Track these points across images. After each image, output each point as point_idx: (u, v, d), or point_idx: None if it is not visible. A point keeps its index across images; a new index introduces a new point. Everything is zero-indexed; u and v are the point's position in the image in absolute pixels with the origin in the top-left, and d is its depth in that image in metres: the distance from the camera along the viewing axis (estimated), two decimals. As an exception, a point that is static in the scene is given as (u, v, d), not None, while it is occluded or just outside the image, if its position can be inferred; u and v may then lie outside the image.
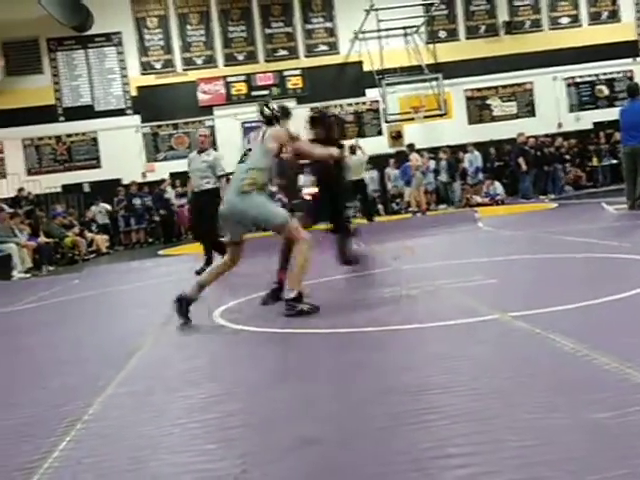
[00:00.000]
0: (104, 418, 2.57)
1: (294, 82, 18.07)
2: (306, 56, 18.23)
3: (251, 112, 17.92)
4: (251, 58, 18.16)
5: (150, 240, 16.69)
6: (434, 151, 17.43)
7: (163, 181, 16.87)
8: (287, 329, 3.93)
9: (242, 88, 17.96)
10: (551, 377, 2.41)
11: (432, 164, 17.12)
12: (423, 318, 3.74)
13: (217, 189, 7.69)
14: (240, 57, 18.17)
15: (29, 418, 2.66)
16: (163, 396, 2.79)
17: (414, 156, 15.17)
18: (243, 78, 17.93)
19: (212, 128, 17.90)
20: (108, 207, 16.68)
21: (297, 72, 18.05)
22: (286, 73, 18.05)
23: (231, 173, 4.97)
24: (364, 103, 18.34)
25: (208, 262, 7.54)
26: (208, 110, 17.94)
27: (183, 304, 4.35)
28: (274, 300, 4.75)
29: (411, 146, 15.53)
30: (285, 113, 4.91)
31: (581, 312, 3.37)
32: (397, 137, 18.40)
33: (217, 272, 4.61)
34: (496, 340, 3.10)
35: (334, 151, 4.89)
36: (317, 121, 5.74)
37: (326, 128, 5.72)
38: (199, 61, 18.03)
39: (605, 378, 2.28)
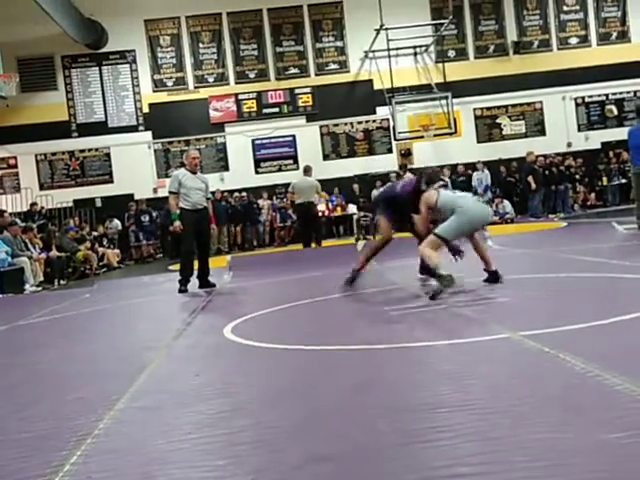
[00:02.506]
0: (115, 433, 2.58)
1: (304, 100, 18.19)
2: (316, 74, 18.37)
3: (262, 129, 18.14)
4: (262, 76, 18.31)
5: (160, 255, 16.74)
6: (443, 169, 17.45)
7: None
8: (298, 345, 3.94)
9: (253, 105, 18.10)
10: (561, 397, 2.40)
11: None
12: (434, 336, 3.74)
13: (207, 208, 8.09)
14: (251, 75, 18.33)
15: (40, 432, 2.68)
16: (173, 411, 2.80)
17: (408, 176, 15.31)
18: (254, 95, 18.08)
19: (223, 145, 18.03)
20: (119, 226, 16.81)
21: (307, 90, 18.19)
22: (297, 91, 18.19)
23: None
24: (374, 121, 18.43)
25: (185, 281, 7.85)
26: (219, 127, 18.07)
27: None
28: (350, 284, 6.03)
29: (404, 166, 15.76)
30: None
31: (592, 332, 3.36)
32: (407, 155, 18.46)
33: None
34: (507, 359, 3.10)
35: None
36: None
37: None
38: (210, 79, 18.21)
39: (616, 399, 2.27)
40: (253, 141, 18.11)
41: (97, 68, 17.92)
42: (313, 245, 12.57)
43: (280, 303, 5.82)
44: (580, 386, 2.49)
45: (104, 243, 15.88)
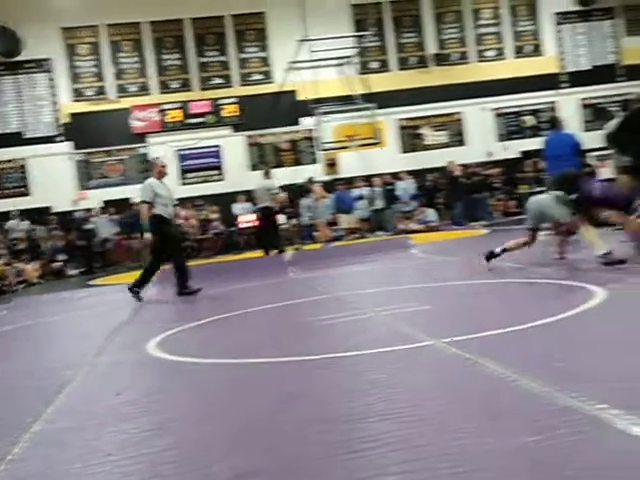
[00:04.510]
0: (30, 457, 2.48)
1: (230, 110, 18.09)
2: (241, 85, 18.32)
3: (186, 139, 17.92)
4: (186, 86, 18.11)
5: (76, 271, 16.16)
6: (368, 179, 17.70)
7: (89, 210, 16.63)
8: (224, 359, 3.89)
9: (177, 116, 17.86)
10: (482, 402, 2.46)
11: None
12: (360, 345, 3.76)
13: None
14: (175, 85, 18.10)
15: (-50, 460, 2.54)
16: (93, 432, 2.71)
17: (318, 188, 15.54)
18: (178, 106, 17.85)
19: (145, 155, 17.70)
20: (26, 224, 16.17)
21: (232, 100, 18.10)
22: (221, 101, 18.07)
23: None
24: (299, 132, 18.52)
25: (143, 282, 7.92)
26: (143, 137, 17.75)
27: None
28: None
29: (311, 179, 16.01)
30: None
31: (510, 337, 3.46)
32: (332, 165, 18.62)
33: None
34: (430, 366, 3.15)
35: None
36: None
37: None
38: (133, 88, 17.87)
39: (533, 402, 2.34)
40: (178, 152, 17.86)
41: (12, 77, 17.29)
42: (272, 252, 12.35)
43: (208, 316, 5.75)
44: (499, 391, 2.55)
45: (22, 257, 15.27)
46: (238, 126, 18.08)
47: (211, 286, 8.07)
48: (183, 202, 17.33)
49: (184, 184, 17.85)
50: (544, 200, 6.54)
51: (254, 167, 18.12)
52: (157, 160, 8.49)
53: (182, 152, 17.90)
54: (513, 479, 1.78)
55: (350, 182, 17.56)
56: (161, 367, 3.92)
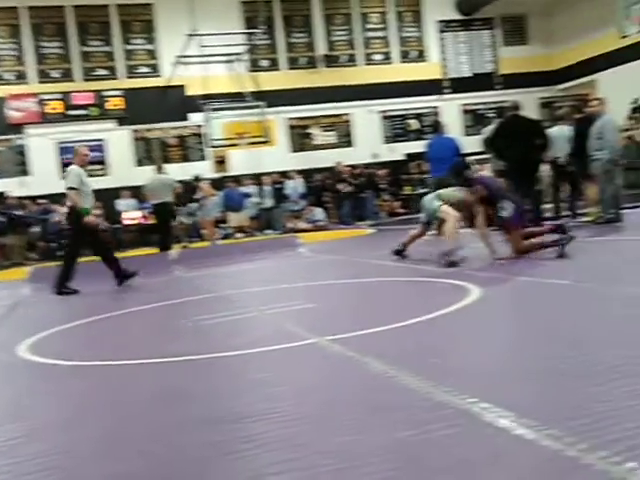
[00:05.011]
0: None
1: (114, 103, 17.48)
2: (127, 77, 17.75)
3: (68, 132, 17.13)
4: (67, 76, 17.31)
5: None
6: (258, 177, 17.66)
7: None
8: (100, 361, 3.74)
9: (58, 107, 17.03)
10: (362, 399, 2.50)
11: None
12: (243, 344, 3.73)
13: None
14: (55, 74, 17.26)
15: None
16: (-46, 442, 2.52)
17: (205, 185, 15.43)
18: (59, 96, 17.03)
19: (22, 147, 16.80)
20: None
21: (118, 93, 17.50)
22: (105, 93, 17.42)
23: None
24: (188, 127, 18.19)
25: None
26: (19, 128, 16.82)
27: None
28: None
29: (197, 177, 15.88)
30: None
31: (392, 334, 3.54)
32: (221, 162, 18.42)
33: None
34: (313, 364, 3.17)
35: None
36: None
37: None
38: (9, 76, 16.89)
39: (410, 397, 2.40)
40: (58, 144, 17.05)
41: None
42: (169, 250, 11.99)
43: (86, 316, 5.52)
44: (379, 387, 2.60)
45: None
46: (123, 120, 17.51)
47: (91, 285, 7.76)
48: (64, 197, 16.57)
49: (65, 178, 17.06)
50: (428, 197, 6.85)
51: (140, 162, 17.63)
52: (80, 148, 8.28)
53: (63, 145, 17.10)
54: (390, 474, 1.81)
55: (239, 180, 17.44)
56: (32, 370, 3.72)
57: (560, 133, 9.48)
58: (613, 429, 1.88)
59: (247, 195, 17.11)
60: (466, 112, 20.31)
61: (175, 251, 12.04)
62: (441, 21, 20.31)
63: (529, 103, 17.09)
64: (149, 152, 17.85)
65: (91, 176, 17.03)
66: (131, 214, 16.24)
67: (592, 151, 8.73)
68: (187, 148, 18.24)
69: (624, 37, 17.49)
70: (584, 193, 10.12)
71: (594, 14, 18.54)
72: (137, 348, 4.04)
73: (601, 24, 18.34)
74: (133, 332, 4.80)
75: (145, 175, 14.59)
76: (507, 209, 5.97)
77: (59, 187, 16.93)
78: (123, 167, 17.39)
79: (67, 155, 17.15)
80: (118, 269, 7.68)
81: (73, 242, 7.74)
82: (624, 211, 9.02)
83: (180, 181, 17.02)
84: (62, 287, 7.46)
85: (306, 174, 18.18)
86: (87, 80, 17.42)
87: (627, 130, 16.84)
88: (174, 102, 17.67)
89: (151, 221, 16.84)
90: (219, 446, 2.16)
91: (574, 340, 3.00)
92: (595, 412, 2.02)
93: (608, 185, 8.61)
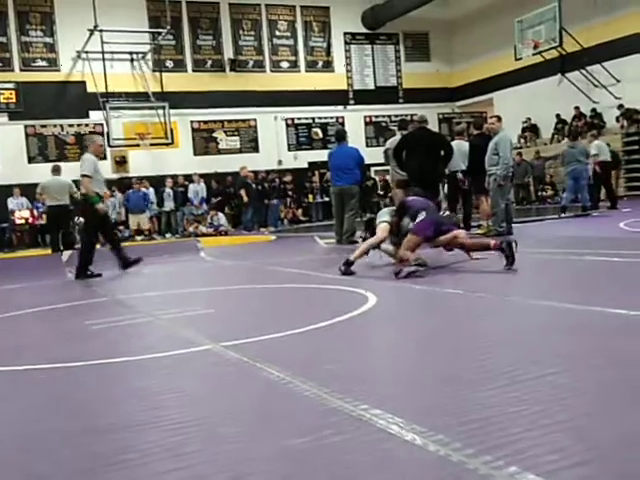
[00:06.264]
0: None
1: (7, 96, 16.67)
2: (22, 70, 16.95)
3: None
4: (-45, 65, 16.38)
5: None
6: (160, 179, 17.28)
7: None
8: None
9: (-58, 97, 16.07)
10: (256, 406, 2.44)
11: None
12: (134, 350, 3.60)
13: None
14: (-58, 62, 16.27)
15: None
16: None
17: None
18: (-57, 86, 16.07)
19: None
20: None
21: (10, 85, 16.68)
22: (-2, 85, 16.59)
23: None
24: (87, 125, 17.56)
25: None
26: None
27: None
28: None
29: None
30: None
31: (288, 340, 3.51)
32: (122, 163, 17.89)
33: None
34: (206, 371, 3.09)
35: None
36: None
37: None
38: None
39: (303, 404, 2.37)
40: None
41: None
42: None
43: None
44: (272, 394, 2.56)
45: None
46: (15, 114, 16.70)
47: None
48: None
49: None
50: (384, 210, 6.86)
51: (32, 159, 16.85)
52: (96, 138, 8.51)
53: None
54: (278, 483, 1.77)
55: (141, 181, 17.00)
56: None
57: (458, 147, 9.80)
58: (499, 434, 1.92)
59: (147, 197, 16.71)
60: (368, 123, 20.72)
61: (68, 253, 11.55)
62: (348, 33, 20.65)
63: (429, 118, 17.61)
64: (43, 149, 17.09)
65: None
66: (23, 213, 15.51)
67: (488, 166, 9.08)
68: (86, 146, 17.58)
69: (519, 59, 18.38)
70: (477, 206, 10.53)
71: (492, 36, 19.40)
72: (20, 353, 3.82)
73: (498, 46, 19.21)
74: (18, 336, 4.53)
75: (39, 172, 13.97)
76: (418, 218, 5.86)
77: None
78: (15, 164, 16.57)
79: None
80: (122, 255, 8.17)
81: (87, 231, 8.18)
82: (515, 225, 9.44)
83: (76, 180, 16.44)
84: (84, 273, 7.78)
85: (210, 178, 17.97)
86: (-22, 70, 16.54)
87: (519, 148, 17.70)
88: (74, 98, 17.06)
89: (42, 222, 16.15)
90: (102, 457, 2.05)
91: (465, 347, 3.07)
92: (482, 417, 2.06)
93: (500, 199, 8.98)
